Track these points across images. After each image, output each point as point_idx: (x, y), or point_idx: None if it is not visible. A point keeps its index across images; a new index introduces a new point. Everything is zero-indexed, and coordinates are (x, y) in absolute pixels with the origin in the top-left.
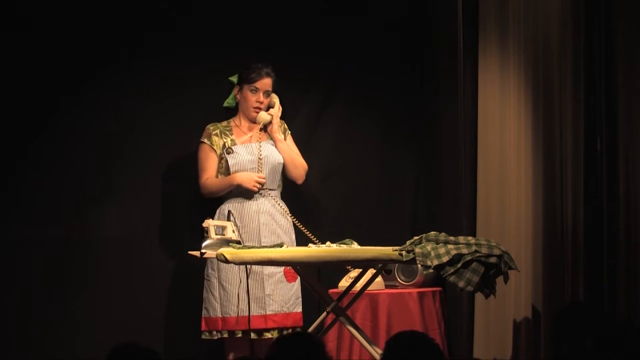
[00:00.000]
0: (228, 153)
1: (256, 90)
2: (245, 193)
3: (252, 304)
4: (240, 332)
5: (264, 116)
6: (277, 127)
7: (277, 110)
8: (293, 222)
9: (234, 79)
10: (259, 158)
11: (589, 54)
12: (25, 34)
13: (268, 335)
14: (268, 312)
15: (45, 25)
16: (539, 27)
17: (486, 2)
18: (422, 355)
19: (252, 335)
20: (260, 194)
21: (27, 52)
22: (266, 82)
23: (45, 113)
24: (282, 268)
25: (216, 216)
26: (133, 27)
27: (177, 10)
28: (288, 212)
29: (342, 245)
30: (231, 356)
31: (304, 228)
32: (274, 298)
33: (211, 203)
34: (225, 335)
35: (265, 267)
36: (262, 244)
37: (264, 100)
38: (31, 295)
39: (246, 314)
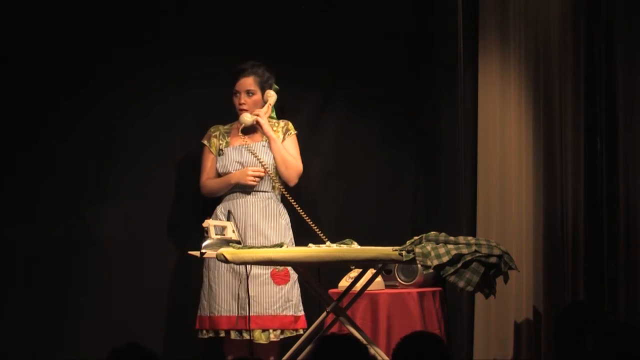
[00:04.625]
0: (219, 155)
1: (237, 93)
2: (236, 193)
3: (233, 304)
4: (223, 331)
5: (245, 118)
6: (268, 125)
7: (265, 109)
8: (307, 221)
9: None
10: (238, 161)
11: (589, 54)
12: (26, 33)
13: (246, 336)
14: (251, 314)
15: (46, 26)
16: (539, 27)
17: (486, 2)
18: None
19: (232, 335)
20: (251, 194)
21: (27, 52)
22: (244, 82)
23: (45, 113)
24: (269, 269)
25: (213, 216)
26: (133, 28)
27: (177, 10)
28: (281, 214)
29: (342, 245)
30: (230, 358)
31: (315, 226)
32: (256, 299)
33: (212, 203)
34: (212, 335)
35: (251, 268)
36: (250, 245)
37: (246, 101)
38: (31, 295)
39: (232, 314)
